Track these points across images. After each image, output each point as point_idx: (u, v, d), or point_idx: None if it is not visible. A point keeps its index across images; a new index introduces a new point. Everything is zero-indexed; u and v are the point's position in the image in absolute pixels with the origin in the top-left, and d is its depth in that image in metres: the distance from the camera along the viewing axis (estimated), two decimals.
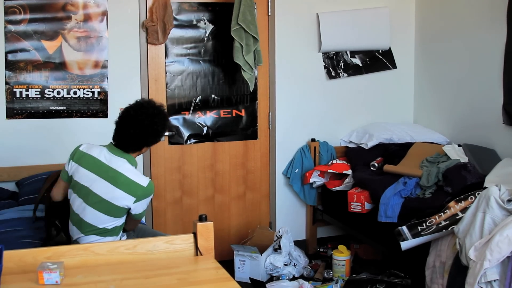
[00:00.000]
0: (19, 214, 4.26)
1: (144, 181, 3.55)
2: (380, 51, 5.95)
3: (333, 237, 5.94)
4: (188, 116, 5.43)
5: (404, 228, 4.00)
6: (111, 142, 3.67)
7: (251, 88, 5.35)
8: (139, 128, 3.54)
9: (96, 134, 4.96)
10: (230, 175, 5.65)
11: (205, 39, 5.42)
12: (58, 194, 3.78)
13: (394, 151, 5.29)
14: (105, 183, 3.53)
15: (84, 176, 3.58)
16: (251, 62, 5.23)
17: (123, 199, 3.52)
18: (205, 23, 5.40)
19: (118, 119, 3.63)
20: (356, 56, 5.88)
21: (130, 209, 3.58)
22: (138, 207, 3.60)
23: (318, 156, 5.69)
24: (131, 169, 3.57)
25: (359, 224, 5.00)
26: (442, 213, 3.91)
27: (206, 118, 5.49)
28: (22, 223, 4.08)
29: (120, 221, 3.65)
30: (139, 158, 5.24)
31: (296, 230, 5.75)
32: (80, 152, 3.65)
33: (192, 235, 2.79)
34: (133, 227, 3.88)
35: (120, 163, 3.56)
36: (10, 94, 4.88)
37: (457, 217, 3.80)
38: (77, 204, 3.60)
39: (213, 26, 5.42)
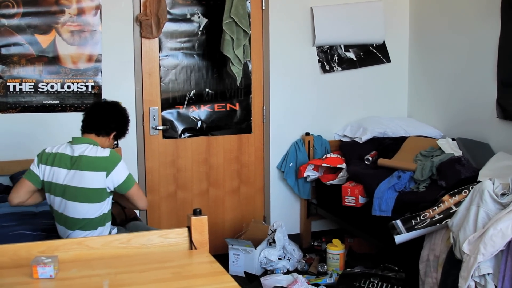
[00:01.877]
0: (14, 209, 4.24)
1: (104, 153, 3.59)
2: (374, 45, 5.95)
3: (327, 231, 5.94)
4: (182, 110, 5.43)
5: (398, 222, 4.00)
6: (73, 137, 3.70)
7: (238, 82, 5.36)
8: (110, 109, 3.79)
9: None
10: (224, 169, 5.65)
11: (199, 33, 5.41)
12: (22, 199, 3.67)
13: (388, 145, 5.30)
14: (76, 172, 3.54)
15: (59, 175, 3.58)
16: (240, 56, 5.24)
17: (94, 179, 3.53)
18: (199, 17, 5.39)
19: (88, 108, 3.92)
20: (350, 50, 5.87)
21: (108, 188, 3.58)
22: (116, 177, 3.58)
23: (312, 150, 5.70)
24: (92, 148, 3.60)
25: (353, 218, 5.01)
26: (436, 207, 3.92)
27: (200, 112, 5.49)
28: (17, 218, 4.07)
29: (104, 207, 3.63)
30: (133, 153, 5.23)
31: (290, 224, 5.75)
32: (47, 153, 3.65)
33: (186, 229, 2.79)
34: (132, 207, 3.84)
35: (82, 149, 3.59)
36: (4, 88, 4.87)
37: (451, 211, 3.81)
38: (57, 203, 3.60)
39: (207, 20, 5.40)
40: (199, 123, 5.49)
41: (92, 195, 3.55)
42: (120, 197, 3.84)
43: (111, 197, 3.69)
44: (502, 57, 4.75)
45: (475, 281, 3.27)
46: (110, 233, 3.71)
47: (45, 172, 3.61)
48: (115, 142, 3.95)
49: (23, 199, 3.65)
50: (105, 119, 3.74)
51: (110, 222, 3.74)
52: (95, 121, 3.72)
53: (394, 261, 4.92)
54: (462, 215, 3.50)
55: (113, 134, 3.77)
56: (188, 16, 5.36)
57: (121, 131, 3.85)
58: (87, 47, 5.07)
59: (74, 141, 3.66)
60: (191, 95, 5.43)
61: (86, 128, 3.73)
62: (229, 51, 5.18)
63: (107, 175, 3.55)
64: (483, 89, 5.00)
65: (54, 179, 3.58)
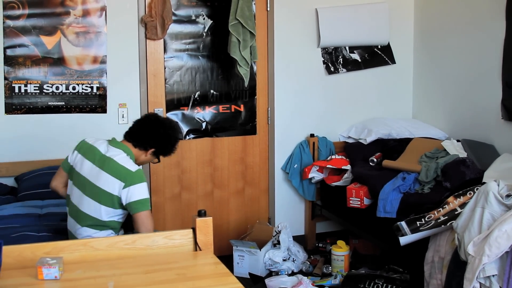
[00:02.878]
0: (19, 210, 4.25)
1: (133, 167, 3.57)
2: (379, 47, 5.95)
3: (332, 233, 5.94)
4: (187, 111, 5.43)
5: (403, 223, 4.00)
6: (114, 138, 3.74)
7: (246, 84, 5.37)
8: (156, 126, 3.74)
9: (94, 129, 4.96)
10: (229, 170, 5.65)
11: (204, 34, 5.41)
12: (58, 184, 3.85)
13: (393, 147, 5.30)
14: (98, 170, 3.58)
15: (86, 168, 3.63)
16: (247, 58, 5.24)
17: (111, 184, 3.53)
18: (204, 18, 5.40)
19: (139, 119, 3.87)
20: (355, 51, 5.87)
21: (121, 199, 3.55)
22: (131, 194, 3.53)
23: (317, 151, 5.69)
24: (124, 156, 3.61)
25: (358, 220, 5.01)
26: (440, 209, 3.92)
27: (205, 114, 5.49)
28: (22, 219, 4.07)
29: (117, 215, 3.63)
30: None
31: (295, 226, 5.75)
32: (85, 143, 3.73)
33: (191, 230, 2.79)
34: (141, 228, 3.55)
35: (116, 153, 3.62)
36: (9, 90, 4.88)
37: (456, 213, 3.80)
38: (76, 195, 3.63)
39: (212, 21, 5.41)
40: (203, 125, 5.50)
41: (105, 198, 3.55)
42: None
43: (125, 212, 3.66)
44: (507, 59, 4.74)
45: (480, 283, 3.26)
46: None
47: (75, 159, 3.70)
48: (157, 159, 3.90)
49: (57, 185, 3.84)
50: (146, 134, 3.73)
51: (120, 232, 3.74)
52: (137, 132, 3.74)
53: (399, 262, 4.91)
54: (467, 217, 3.50)
55: (151, 150, 3.76)
56: (193, 18, 5.37)
57: (162, 150, 3.82)
58: (92, 48, 5.08)
59: (112, 142, 3.71)
60: (195, 96, 5.44)
61: (127, 135, 3.77)
62: (235, 52, 5.19)
63: (124, 187, 3.53)
64: (488, 91, 4.99)
65: (79, 169, 3.65)
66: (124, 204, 3.57)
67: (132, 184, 3.53)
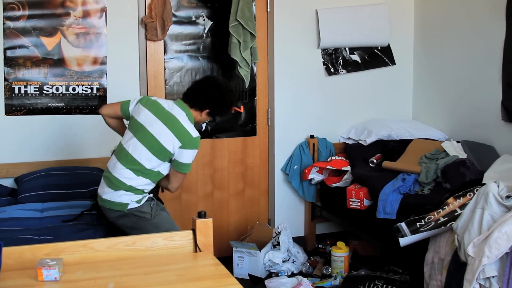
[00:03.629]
0: (19, 213, 4.24)
1: (194, 133, 3.78)
2: (379, 48, 5.95)
3: (332, 234, 5.94)
4: None
5: (403, 224, 4.00)
6: (178, 99, 3.98)
7: (247, 85, 5.38)
8: (212, 89, 3.91)
9: (95, 130, 4.97)
10: (229, 171, 5.65)
11: (204, 35, 5.42)
12: (105, 109, 4.06)
13: (393, 148, 5.30)
14: (160, 123, 3.76)
15: (144, 116, 3.80)
16: (248, 59, 5.25)
17: (170, 141, 3.72)
18: (204, 20, 5.40)
19: (197, 80, 4.18)
20: (355, 52, 5.88)
21: (173, 155, 3.75)
22: (182, 154, 3.75)
23: (317, 152, 5.70)
24: (187, 120, 3.80)
25: (358, 221, 5.01)
26: (440, 210, 3.92)
27: None
28: (22, 222, 4.06)
29: (161, 167, 3.80)
30: None
31: (294, 227, 5.75)
32: (149, 98, 3.92)
33: (191, 231, 2.79)
34: (165, 184, 3.95)
35: (179, 112, 3.81)
36: (9, 91, 4.88)
37: (456, 214, 3.80)
38: (127, 138, 3.81)
39: (212, 22, 5.41)
40: (203, 126, 5.50)
41: (159, 150, 3.73)
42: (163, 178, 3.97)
43: (169, 166, 3.86)
44: (507, 59, 4.74)
45: (480, 284, 3.26)
46: (149, 199, 3.86)
47: (137, 110, 3.87)
48: (211, 119, 4.10)
49: (107, 113, 4.03)
50: (201, 95, 3.90)
51: (154, 188, 3.92)
52: (193, 94, 3.92)
53: (399, 263, 4.91)
54: (467, 218, 3.50)
55: (206, 111, 3.92)
56: (193, 19, 5.37)
57: (216, 111, 3.97)
58: (92, 49, 5.08)
59: (177, 101, 3.91)
60: None
61: (185, 96, 3.95)
62: (236, 54, 5.19)
63: (180, 147, 3.72)
64: (488, 92, 4.99)
65: (137, 116, 3.83)
66: (172, 159, 3.79)
67: (188, 148, 3.74)
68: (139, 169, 3.74)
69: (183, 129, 3.74)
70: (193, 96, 3.91)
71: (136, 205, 3.78)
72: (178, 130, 3.74)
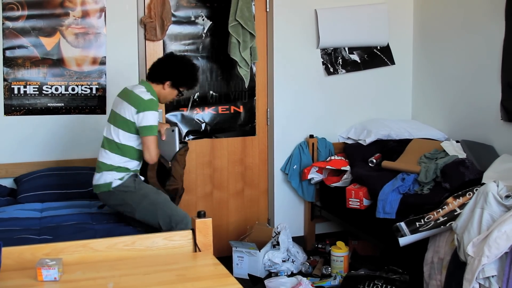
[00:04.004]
0: (19, 213, 4.24)
1: (146, 96, 4.03)
2: (379, 47, 5.95)
3: (331, 233, 5.94)
4: (186, 112, 5.43)
5: (402, 224, 4.00)
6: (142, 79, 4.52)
7: (247, 84, 5.38)
8: (168, 60, 4.24)
9: (94, 130, 4.96)
10: (228, 171, 5.65)
11: (203, 35, 5.42)
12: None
13: (392, 147, 5.30)
14: (121, 101, 4.12)
15: (114, 102, 4.22)
16: (247, 59, 5.25)
17: (128, 110, 4.02)
18: (203, 20, 5.40)
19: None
20: (354, 52, 5.88)
21: (135, 123, 4.01)
22: (140, 119, 3.98)
23: (316, 152, 5.70)
24: (142, 91, 4.08)
25: (357, 220, 5.01)
26: (440, 209, 3.92)
27: (204, 115, 5.50)
28: (22, 222, 4.06)
29: (132, 140, 4.07)
30: None
31: (294, 226, 5.75)
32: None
33: (190, 231, 2.79)
34: (144, 151, 4.04)
35: (137, 87, 4.15)
36: (8, 91, 4.88)
37: (455, 213, 3.80)
38: (106, 127, 4.19)
39: (211, 22, 5.41)
40: (203, 126, 5.50)
41: (121, 121, 4.05)
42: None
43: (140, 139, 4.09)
44: (506, 59, 4.74)
45: (479, 283, 3.26)
46: (133, 176, 4.11)
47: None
48: (179, 93, 4.29)
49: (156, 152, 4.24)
50: (158, 68, 4.21)
51: (135, 164, 4.15)
52: (153, 69, 4.24)
53: (398, 263, 4.91)
54: (467, 217, 3.50)
55: (167, 83, 4.18)
56: (193, 19, 5.37)
57: (176, 81, 4.20)
58: (92, 49, 5.08)
59: (139, 82, 4.35)
60: (195, 97, 5.44)
61: (147, 75, 4.30)
62: (235, 54, 5.19)
63: (136, 112, 3.99)
64: (487, 91, 4.99)
65: (112, 105, 4.26)
66: (137, 126, 4.03)
67: (142, 110, 3.98)
68: (113, 147, 4.06)
69: (136, 96, 4.04)
70: (153, 71, 4.21)
71: (119, 182, 4.04)
72: (132, 99, 4.04)
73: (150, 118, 3.99)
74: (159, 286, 2.39)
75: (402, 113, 6.09)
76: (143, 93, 4.05)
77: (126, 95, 4.11)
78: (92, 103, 5.10)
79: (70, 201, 4.57)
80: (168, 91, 4.21)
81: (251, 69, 5.52)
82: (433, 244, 3.94)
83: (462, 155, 4.63)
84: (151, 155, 4.02)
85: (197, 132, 5.48)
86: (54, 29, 4.95)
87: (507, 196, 3.40)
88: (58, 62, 4.98)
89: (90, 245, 2.67)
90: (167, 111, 5.35)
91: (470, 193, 3.87)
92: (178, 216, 4.01)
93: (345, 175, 5.26)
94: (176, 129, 4.39)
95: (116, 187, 4.02)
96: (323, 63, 5.79)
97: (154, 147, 4.02)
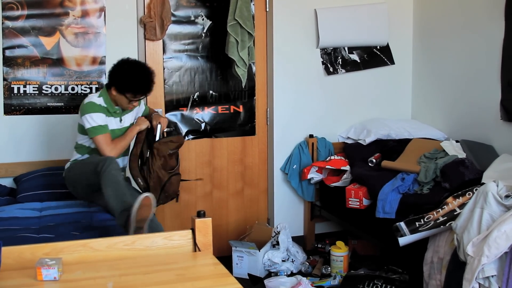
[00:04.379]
0: (18, 213, 4.23)
1: (86, 101, 4.21)
2: (378, 47, 5.96)
3: (331, 233, 5.94)
4: (186, 112, 5.43)
5: (402, 224, 4.00)
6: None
7: (244, 84, 5.37)
8: (116, 65, 4.26)
9: None
10: (228, 171, 5.65)
11: (203, 35, 5.41)
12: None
13: (392, 147, 5.30)
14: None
15: None
16: (245, 58, 5.25)
17: (78, 116, 4.27)
18: (203, 19, 5.40)
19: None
20: (354, 52, 5.88)
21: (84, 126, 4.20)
22: (83, 122, 4.18)
23: (316, 152, 5.70)
24: (92, 95, 4.27)
25: (357, 220, 5.01)
26: (440, 209, 3.92)
27: (204, 114, 5.50)
28: (21, 221, 4.05)
29: (80, 139, 4.33)
30: None
31: (294, 226, 5.75)
32: None
33: (190, 231, 2.79)
34: (100, 150, 4.19)
35: (93, 94, 4.33)
36: (8, 90, 4.88)
37: (455, 213, 3.80)
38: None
39: (211, 22, 5.41)
40: (203, 125, 5.50)
41: (78, 127, 4.32)
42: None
43: (87, 138, 4.28)
44: (506, 59, 4.75)
45: (479, 283, 3.26)
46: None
47: None
48: (129, 98, 4.22)
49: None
50: (109, 73, 4.29)
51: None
52: (111, 73, 4.28)
53: (398, 263, 4.91)
54: (466, 217, 3.50)
55: (112, 87, 4.19)
56: (192, 18, 5.37)
57: (119, 86, 4.16)
58: (91, 49, 5.08)
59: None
60: (195, 97, 5.44)
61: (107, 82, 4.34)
62: (233, 53, 5.19)
63: (80, 117, 4.21)
64: (487, 91, 4.99)
65: None
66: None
67: (82, 115, 4.18)
68: (75, 146, 4.38)
69: (81, 103, 4.23)
70: (107, 77, 4.35)
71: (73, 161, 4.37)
72: (80, 107, 4.25)
73: (89, 120, 4.13)
74: (158, 285, 2.39)
75: (401, 112, 6.10)
76: (88, 98, 4.22)
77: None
78: None
79: (69, 200, 4.56)
80: (117, 97, 4.22)
81: (251, 68, 5.52)
82: (432, 244, 3.94)
83: (461, 155, 4.63)
84: (104, 153, 4.14)
85: (196, 131, 5.48)
86: (54, 28, 4.95)
87: (507, 196, 3.40)
88: (57, 62, 4.98)
89: (89, 244, 2.67)
90: (167, 111, 5.35)
91: (470, 193, 3.87)
92: (101, 161, 3.96)
93: (344, 175, 5.26)
94: (159, 126, 4.51)
95: (70, 164, 4.37)
96: (323, 63, 5.79)
97: (104, 145, 4.15)
